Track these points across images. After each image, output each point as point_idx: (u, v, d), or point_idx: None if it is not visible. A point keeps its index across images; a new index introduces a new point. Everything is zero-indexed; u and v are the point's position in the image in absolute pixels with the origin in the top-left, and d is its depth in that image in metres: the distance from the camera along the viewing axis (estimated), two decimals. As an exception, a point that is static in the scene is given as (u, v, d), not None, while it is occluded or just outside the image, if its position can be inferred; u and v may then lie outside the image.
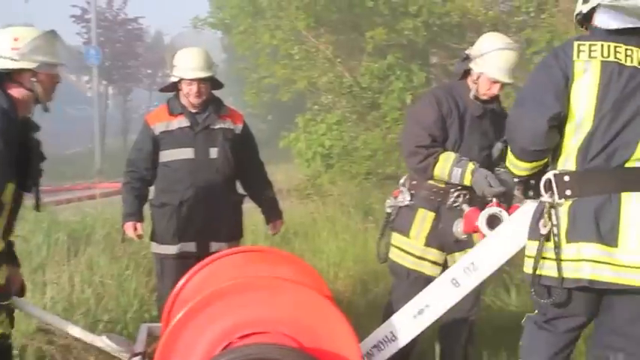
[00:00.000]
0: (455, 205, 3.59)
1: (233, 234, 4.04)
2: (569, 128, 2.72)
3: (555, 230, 2.70)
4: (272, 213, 4.24)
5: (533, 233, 2.78)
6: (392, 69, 10.29)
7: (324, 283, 3.27)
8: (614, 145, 2.66)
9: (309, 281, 3.09)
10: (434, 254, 3.64)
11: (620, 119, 2.65)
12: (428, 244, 3.60)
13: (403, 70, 10.25)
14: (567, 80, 2.67)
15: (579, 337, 2.89)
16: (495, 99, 3.67)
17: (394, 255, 3.70)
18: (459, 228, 3.50)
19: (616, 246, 2.62)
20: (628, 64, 2.67)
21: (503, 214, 3.19)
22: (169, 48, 24.59)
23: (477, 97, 3.62)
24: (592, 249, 2.64)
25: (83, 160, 20.37)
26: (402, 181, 3.77)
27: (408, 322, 3.09)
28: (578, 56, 2.69)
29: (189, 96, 3.90)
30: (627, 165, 2.68)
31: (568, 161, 2.75)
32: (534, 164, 2.81)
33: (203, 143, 3.93)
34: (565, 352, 2.87)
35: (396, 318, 3.10)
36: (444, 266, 3.60)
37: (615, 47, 2.69)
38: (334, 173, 10.67)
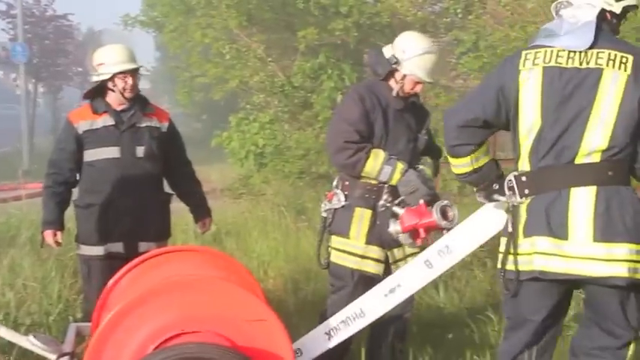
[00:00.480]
0: (387, 204, 3.67)
1: (161, 233, 3.99)
2: (522, 132, 2.89)
3: (515, 227, 2.89)
4: (200, 211, 4.20)
5: (504, 230, 2.96)
6: (324, 68, 10.37)
7: (255, 281, 3.28)
8: (561, 144, 2.82)
9: (240, 280, 3.09)
10: (375, 252, 3.69)
11: (563, 119, 2.81)
12: (368, 242, 3.64)
13: (335, 70, 10.33)
14: (510, 89, 2.87)
15: (550, 331, 3.00)
16: (414, 93, 3.80)
17: (336, 257, 3.72)
18: (397, 227, 3.57)
19: (566, 238, 2.77)
20: (569, 65, 2.82)
21: (453, 206, 3.43)
22: (97, 46, 24.08)
23: (398, 95, 3.73)
24: (544, 242, 2.80)
25: (11, 160, 19.82)
26: (334, 183, 3.81)
27: (379, 301, 3.20)
28: (523, 65, 2.87)
29: (126, 90, 3.83)
30: (575, 162, 2.83)
31: (524, 163, 2.92)
32: (458, 160, 2.98)
33: (129, 142, 3.86)
34: (544, 348, 2.99)
35: (367, 296, 3.21)
36: (386, 263, 3.68)
37: (558, 52, 2.85)
38: (267, 172, 10.68)
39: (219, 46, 11.31)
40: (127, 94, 3.85)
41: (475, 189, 3.17)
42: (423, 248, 3.43)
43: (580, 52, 2.83)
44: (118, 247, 3.85)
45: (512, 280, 2.92)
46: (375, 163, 3.60)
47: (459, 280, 5.51)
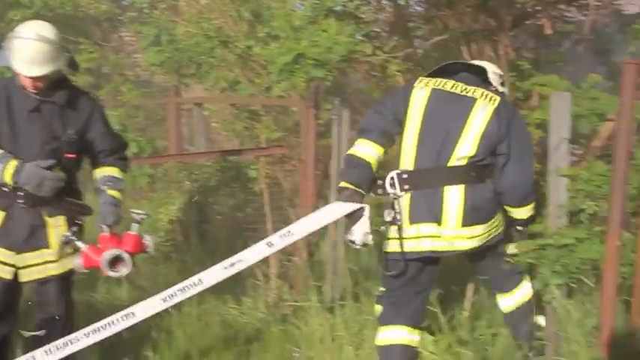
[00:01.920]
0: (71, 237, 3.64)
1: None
2: (406, 138, 3.80)
3: (398, 216, 3.75)
4: None
5: (382, 221, 3.81)
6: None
7: None
8: (437, 150, 3.74)
9: None
10: (4, 254, 3.53)
11: (442, 130, 3.74)
12: None
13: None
14: (404, 101, 3.84)
15: (426, 299, 3.98)
16: (63, 89, 3.61)
17: None
18: (79, 262, 3.63)
19: (442, 224, 3.72)
20: (452, 90, 3.83)
21: (124, 255, 3.40)
22: None
23: (33, 92, 3.54)
24: (428, 227, 3.73)
25: None
26: None
27: (219, 271, 3.57)
28: (417, 85, 3.88)
29: None
30: (448, 164, 3.74)
31: (406, 163, 3.79)
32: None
33: None
34: (416, 312, 3.93)
35: (210, 269, 3.58)
36: (15, 267, 3.53)
37: (446, 82, 3.86)
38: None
39: None
40: None
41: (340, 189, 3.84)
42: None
43: (463, 84, 3.84)
44: None
45: (396, 261, 3.78)
46: None
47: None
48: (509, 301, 4.20)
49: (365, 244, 3.80)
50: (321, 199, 5.86)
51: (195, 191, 7.25)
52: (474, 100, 3.79)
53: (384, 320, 3.99)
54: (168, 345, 4.59)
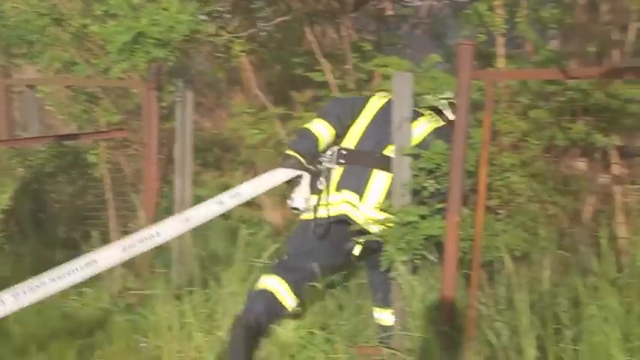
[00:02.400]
0: None
1: None
2: (354, 128, 4.35)
3: (327, 185, 4.23)
4: None
5: (314, 189, 4.26)
6: None
7: None
8: (377, 140, 4.25)
9: None
10: None
11: (385, 128, 4.21)
12: None
13: None
14: (362, 102, 4.47)
15: (313, 277, 4.23)
16: None
17: None
18: None
19: (362, 200, 4.15)
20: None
21: None
22: None
23: None
24: (350, 195, 4.18)
25: None
26: None
27: (177, 225, 3.95)
28: (377, 94, 4.55)
29: None
30: (383, 152, 4.24)
31: (348, 144, 4.31)
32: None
33: None
34: (302, 280, 4.22)
35: (167, 221, 3.94)
36: None
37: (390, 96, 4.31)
38: None
39: None
40: None
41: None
42: None
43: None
44: None
45: (322, 225, 4.20)
46: None
47: None
48: (387, 317, 4.37)
49: (307, 210, 4.25)
50: (167, 183, 5.69)
51: (30, 178, 6.84)
52: (420, 114, 4.35)
53: (272, 271, 4.25)
54: (3, 343, 4.30)
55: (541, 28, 5.80)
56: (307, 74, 6.21)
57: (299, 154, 4.27)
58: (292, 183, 4.27)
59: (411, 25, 7.90)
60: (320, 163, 4.33)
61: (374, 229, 4.16)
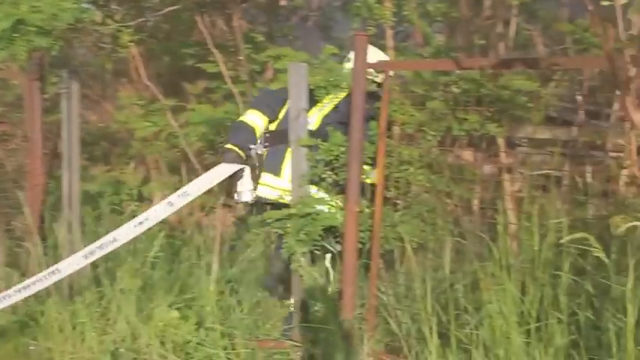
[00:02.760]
0: None
1: None
2: (282, 112, 4.43)
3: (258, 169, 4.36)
4: None
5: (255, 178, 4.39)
6: None
7: None
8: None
9: None
10: None
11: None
12: None
13: None
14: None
15: None
16: None
17: None
18: None
19: (280, 174, 4.32)
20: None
21: None
22: None
23: None
24: (269, 177, 4.36)
25: None
26: None
27: (130, 230, 4.11)
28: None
29: None
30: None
31: (273, 126, 4.43)
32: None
33: None
34: None
35: (122, 227, 4.11)
36: None
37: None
38: None
39: None
40: None
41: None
42: None
43: None
44: None
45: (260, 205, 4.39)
46: None
47: None
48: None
49: (252, 200, 4.39)
50: (53, 179, 5.43)
51: None
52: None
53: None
54: None
55: (427, 21, 5.93)
56: (199, 65, 6.09)
57: (237, 148, 4.33)
58: (234, 177, 4.34)
59: (301, 17, 7.90)
60: (249, 149, 4.39)
61: (288, 199, 4.28)
